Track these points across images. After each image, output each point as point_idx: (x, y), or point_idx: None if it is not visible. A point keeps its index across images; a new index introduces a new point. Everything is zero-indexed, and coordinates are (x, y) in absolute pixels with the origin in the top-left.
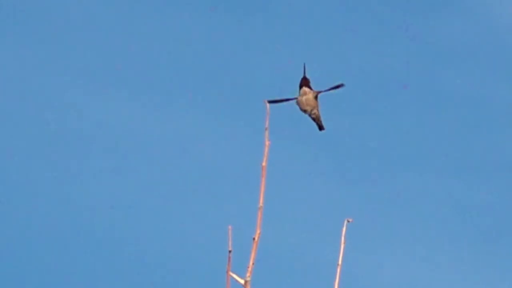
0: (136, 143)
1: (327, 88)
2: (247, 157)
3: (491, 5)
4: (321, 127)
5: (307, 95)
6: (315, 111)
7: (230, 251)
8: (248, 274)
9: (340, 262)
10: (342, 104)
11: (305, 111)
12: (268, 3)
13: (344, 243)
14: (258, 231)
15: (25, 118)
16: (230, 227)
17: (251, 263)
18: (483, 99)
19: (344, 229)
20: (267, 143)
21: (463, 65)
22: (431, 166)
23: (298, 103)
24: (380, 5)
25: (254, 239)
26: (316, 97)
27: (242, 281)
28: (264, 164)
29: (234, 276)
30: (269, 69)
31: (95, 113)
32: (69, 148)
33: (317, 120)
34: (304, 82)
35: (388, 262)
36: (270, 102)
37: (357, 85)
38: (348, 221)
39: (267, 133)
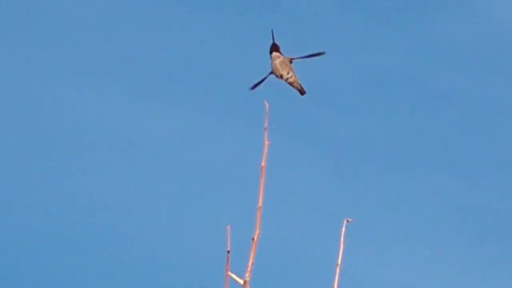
0: (135, 143)
1: (305, 54)
2: (247, 157)
3: (491, 5)
4: (302, 92)
5: (279, 58)
6: (291, 74)
7: (228, 251)
8: (247, 274)
9: (339, 262)
10: (342, 104)
11: (281, 76)
12: (269, 3)
13: (344, 243)
14: (257, 231)
15: (25, 118)
16: (228, 227)
17: (250, 263)
18: (483, 99)
19: (343, 229)
20: (266, 143)
21: (463, 65)
22: (431, 166)
23: (273, 71)
24: (380, 4)
25: (253, 239)
26: (290, 61)
27: (241, 281)
28: (263, 164)
29: (234, 276)
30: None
31: (95, 113)
32: (68, 148)
33: (295, 84)
34: (274, 48)
35: (388, 262)
36: (253, 87)
37: (357, 85)
38: (348, 221)
39: (266, 133)
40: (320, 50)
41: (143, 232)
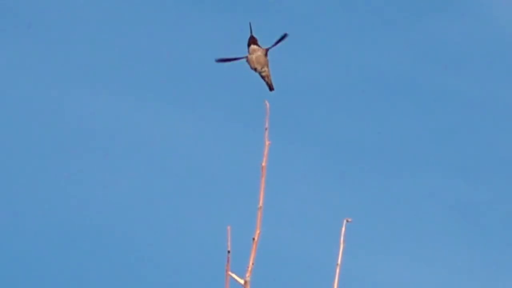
0: (136, 144)
1: (273, 43)
2: (247, 157)
3: (491, 5)
4: (271, 87)
5: (257, 52)
6: (265, 68)
7: (229, 251)
8: (247, 274)
9: (339, 262)
10: (342, 104)
11: (255, 69)
12: (269, 2)
13: (343, 243)
14: (258, 231)
15: (24, 118)
16: (229, 227)
17: (250, 263)
18: (483, 99)
19: (343, 229)
20: (267, 143)
21: (463, 65)
22: (431, 166)
23: (248, 62)
24: (381, 5)
25: (254, 239)
26: (266, 55)
27: (242, 281)
28: (264, 164)
29: (234, 276)
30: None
31: (95, 113)
32: (68, 148)
33: (267, 78)
34: (252, 41)
35: (388, 262)
36: (220, 61)
37: (358, 85)
38: (347, 221)
39: (267, 133)
40: (283, 34)
41: (144, 232)
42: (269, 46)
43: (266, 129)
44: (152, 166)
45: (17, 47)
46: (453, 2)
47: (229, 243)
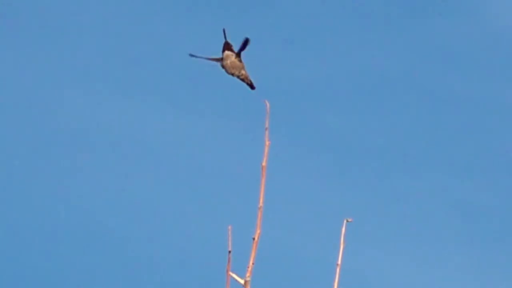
0: (136, 144)
1: (238, 48)
2: (247, 157)
3: (491, 5)
4: (252, 86)
5: (230, 58)
6: (242, 71)
7: (229, 251)
8: (248, 274)
9: (339, 262)
10: (342, 104)
11: (232, 74)
12: (267, 2)
13: (344, 243)
14: (258, 231)
15: (25, 118)
16: (229, 227)
17: (251, 263)
18: (483, 99)
19: (343, 229)
20: (267, 143)
21: (464, 65)
22: (431, 166)
23: (224, 68)
24: (381, 5)
25: (254, 239)
26: (239, 58)
27: (242, 281)
28: (264, 164)
29: (234, 276)
30: (269, 68)
31: (95, 113)
32: (68, 148)
33: (246, 80)
34: (227, 47)
35: (388, 262)
36: (192, 56)
37: (357, 85)
38: (348, 221)
39: (267, 133)
40: (245, 39)
41: (144, 232)
42: (236, 51)
43: (266, 129)
44: (152, 166)
45: (17, 47)
46: (453, 2)
47: (229, 243)
